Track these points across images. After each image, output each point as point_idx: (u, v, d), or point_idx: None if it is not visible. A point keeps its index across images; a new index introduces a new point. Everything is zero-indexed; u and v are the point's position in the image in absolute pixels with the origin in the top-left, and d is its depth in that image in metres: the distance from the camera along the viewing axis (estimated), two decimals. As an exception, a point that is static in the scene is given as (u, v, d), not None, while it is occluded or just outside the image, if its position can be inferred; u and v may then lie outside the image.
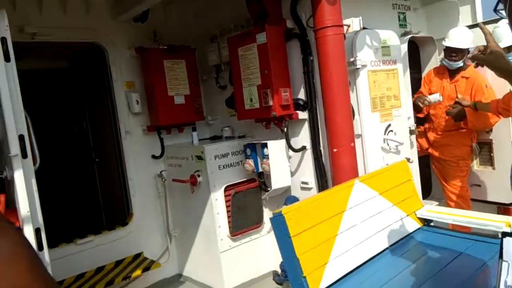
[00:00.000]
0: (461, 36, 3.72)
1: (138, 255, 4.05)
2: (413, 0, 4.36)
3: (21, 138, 2.35)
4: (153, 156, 4.23)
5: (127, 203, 4.20)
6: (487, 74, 3.87)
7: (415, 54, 4.43)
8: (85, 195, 5.31)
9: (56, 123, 4.51)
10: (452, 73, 3.88)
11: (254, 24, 3.60)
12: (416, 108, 3.91)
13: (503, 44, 3.19)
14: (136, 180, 4.14)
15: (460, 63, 3.76)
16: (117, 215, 4.48)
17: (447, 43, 3.77)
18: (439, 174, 4.06)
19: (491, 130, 3.90)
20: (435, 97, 3.80)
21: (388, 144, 3.54)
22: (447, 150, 3.92)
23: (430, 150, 4.08)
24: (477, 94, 3.72)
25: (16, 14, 3.33)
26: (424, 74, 4.37)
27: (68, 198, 4.27)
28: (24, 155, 2.35)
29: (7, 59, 2.31)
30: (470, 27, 4.03)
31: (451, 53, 3.76)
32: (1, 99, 2.27)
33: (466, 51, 3.73)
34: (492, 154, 3.93)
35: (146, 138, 4.20)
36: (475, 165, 4.08)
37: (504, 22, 3.20)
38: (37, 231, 2.30)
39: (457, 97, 3.81)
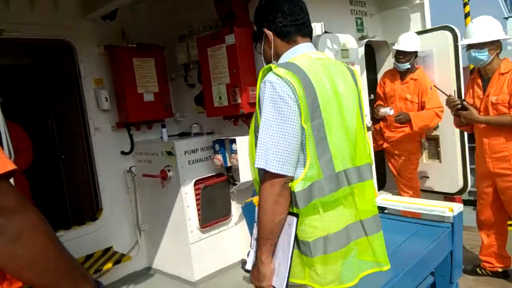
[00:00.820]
0: (408, 41, 4.08)
1: (108, 249, 4.12)
2: (370, 7, 4.69)
3: (-3, 133, 2.40)
4: (123, 152, 4.30)
5: (96, 199, 4.25)
6: (435, 76, 4.27)
7: (371, 56, 4.78)
8: (50, 191, 5.26)
9: (19, 120, 4.45)
10: (403, 75, 4.24)
11: (222, 25, 3.77)
12: (374, 118, 4.28)
13: (473, 40, 3.25)
14: (105, 175, 4.20)
15: (407, 65, 4.13)
16: (84, 211, 4.50)
17: (396, 46, 4.13)
18: (393, 167, 4.42)
19: (437, 127, 4.29)
20: (385, 111, 4.15)
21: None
22: (400, 145, 4.28)
23: (384, 146, 4.43)
24: (422, 95, 4.10)
25: (-17, 10, 3.32)
26: (379, 75, 4.72)
27: (33, 194, 4.24)
28: (1, 150, 2.40)
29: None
30: (420, 32, 4.41)
31: (399, 55, 4.12)
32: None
33: (414, 54, 4.10)
34: (439, 149, 4.33)
35: (115, 134, 4.27)
36: (424, 159, 4.47)
37: (479, 19, 3.36)
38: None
39: (406, 97, 4.18)
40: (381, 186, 4.87)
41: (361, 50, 4.18)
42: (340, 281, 1.52)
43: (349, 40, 3.89)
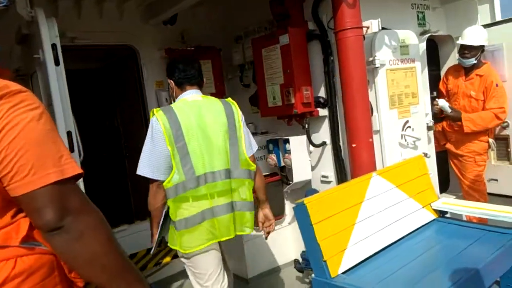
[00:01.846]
0: (474, 34, 3.83)
1: (167, 244, 4.31)
2: (433, 0, 4.46)
3: (69, 134, 2.62)
4: (181, 151, 4.47)
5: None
6: (505, 71, 3.97)
7: (434, 52, 4.54)
8: (116, 188, 5.62)
9: (89, 120, 4.84)
10: (467, 71, 3.99)
11: (277, 25, 3.79)
12: (435, 116, 4.07)
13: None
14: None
15: (473, 61, 3.87)
16: (146, 207, 4.74)
17: (460, 41, 3.89)
18: (457, 169, 4.17)
19: (508, 126, 3.98)
20: (442, 104, 3.94)
21: (405, 140, 3.68)
22: (464, 145, 4.03)
23: (447, 146, 4.19)
24: (487, 92, 3.83)
25: (58, 20, 3.62)
26: (442, 71, 4.48)
27: (101, 191, 4.57)
28: (72, 149, 2.62)
29: (57, 63, 2.59)
30: (489, 25, 4.12)
31: (464, 50, 3.88)
32: (52, 99, 2.54)
33: (480, 48, 3.84)
34: (509, 149, 4.02)
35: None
36: (493, 160, 4.17)
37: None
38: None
39: (470, 95, 3.92)
40: (444, 189, 4.62)
41: (422, 46, 4.00)
42: (195, 246, 2.36)
43: (409, 35, 3.73)
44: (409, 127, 3.73)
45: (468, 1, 4.36)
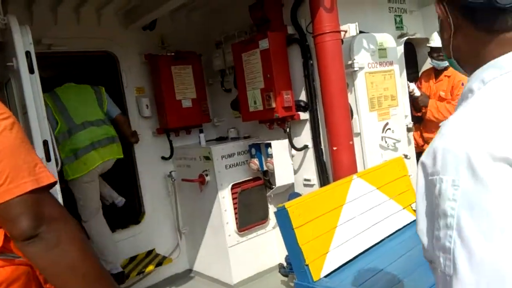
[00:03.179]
0: None
1: (150, 252, 4.27)
2: (410, 3, 4.53)
3: (45, 143, 2.57)
4: (163, 158, 4.45)
5: (139, 203, 4.42)
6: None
7: (412, 54, 4.62)
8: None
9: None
10: (438, 74, 4.16)
11: (257, 30, 3.80)
12: (415, 106, 4.14)
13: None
14: (147, 180, 4.36)
15: (446, 63, 3.95)
16: (130, 214, 4.69)
17: (432, 44, 3.98)
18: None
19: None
20: (412, 85, 4.15)
21: (386, 142, 3.73)
22: None
23: (425, 147, 4.25)
24: (453, 91, 3.97)
25: (34, 27, 3.55)
26: (421, 73, 4.56)
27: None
28: (48, 159, 2.57)
29: (31, 71, 2.53)
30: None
31: (438, 52, 4.00)
32: (27, 107, 2.48)
33: None
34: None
35: (155, 140, 4.42)
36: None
37: None
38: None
39: (440, 95, 4.03)
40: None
41: (400, 49, 4.06)
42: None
43: (386, 39, 3.79)
44: (389, 129, 3.78)
45: (444, 5, 4.44)
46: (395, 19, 4.40)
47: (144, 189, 4.34)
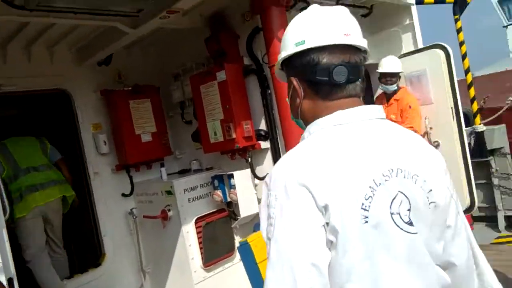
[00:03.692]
0: (392, 63, 4.17)
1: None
2: (362, 30, 4.72)
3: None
4: (123, 195, 4.30)
5: (99, 244, 4.22)
6: (431, 94, 4.24)
7: (366, 79, 4.77)
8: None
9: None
10: (388, 98, 4.33)
11: (213, 62, 3.82)
12: None
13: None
14: (107, 220, 4.18)
15: (395, 87, 4.19)
16: (89, 257, 4.46)
17: (381, 69, 4.16)
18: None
19: (439, 145, 4.22)
20: None
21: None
22: None
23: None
24: (402, 114, 4.14)
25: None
26: (375, 97, 4.72)
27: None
28: (-5, 207, 2.40)
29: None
30: (413, 52, 4.42)
31: (387, 78, 4.19)
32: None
33: (398, 75, 4.18)
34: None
35: (115, 177, 4.28)
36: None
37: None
38: (10, 281, 2.32)
39: (391, 118, 4.18)
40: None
41: (354, 75, 4.19)
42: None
43: (340, 66, 3.90)
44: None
45: (392, 31, 4.66)
46: (348, 46, 4.57)
47: (103, 228, 4.15)
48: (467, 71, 5.69)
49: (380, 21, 4.73)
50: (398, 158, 1.06)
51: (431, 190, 1.06)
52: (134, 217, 4.25)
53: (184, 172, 4.46)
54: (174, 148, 4.62)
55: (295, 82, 1.18)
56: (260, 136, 3.67)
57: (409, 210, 1.02)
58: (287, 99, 1.27)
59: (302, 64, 1.14)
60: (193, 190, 3.96)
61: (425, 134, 4.24)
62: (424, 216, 1.04)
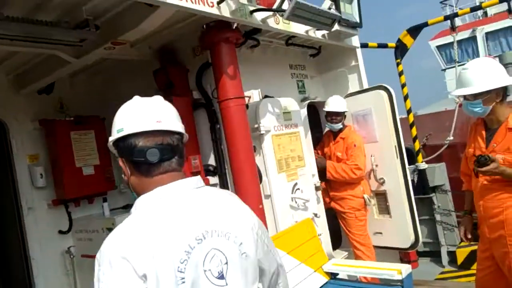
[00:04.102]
0: (338, 102, 4.33)
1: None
2: (310, 70, 4.88)
3: None
4: (60, 232, 3.99)
5: (30, 286, 3.84)
6: (375, 132, 4.40)
7: (316, 116, 4.89)
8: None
9: None
10: (335, 135, 4.46)
11: (162, 94, 3.73)
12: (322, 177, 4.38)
13: (459, 92, 2.75)
14: (41, 259, 3.84)
15: (340, 125, 4.34)
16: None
17: (327, 108, 4.30)
18: (343, 225, 4.41)
19: (384, 182, 4.34)
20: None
21: (296, 202, 3.77)
22: (345, 202, 4.31)
23: (331, 204, 4.42)
24: (347, 151, 4.28)
25: None
26: (323, 134, 4.83)
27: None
28: None
29: None
30: (359, 92, 4.60)
31: (332, 116, 4.33)
32: None
33: (343, 114, 4.34)
34: (387, 204, 4.35)
35: (51, 212, 3.98)
36: (375, 214, 4.47)
37: (472, 64, 2.73)
38: None
39: (338, 156, 4.30)
40: (338, 244, 4.79)
41: (304, 112, 4.28)
42: None
43: (290, 102, 3.96)
44: (298, 189, 3.84)
45: (340, 71, 4.86)
46: (298, 84, 4.69)
47: (36, 269, 3.81)
48: (409, 111, 6.01)
49: (328, 62, 4.93)
50: (212, 221, 1.27)
51: (241, 243, 1.29)
52: (72, 256, 3.95)
53: (129, 207, 4.23)
54: (118, 182, 4.41)
55: (121, 162, 1.38)
56: (209, 171, 3.59)
57: (226, 263, 1.24)
58: (122, 175, 1.43)
59: (125, 147, 1.33)
60: (137, 227, 3.74)
61: (371, 171, 4.36)
62: (239, 266, 1.27)
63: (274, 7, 3.16)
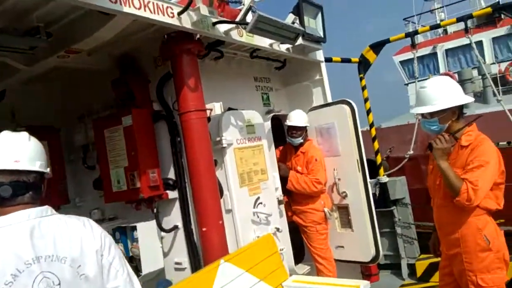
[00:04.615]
0: (299, 117, 4.36)
1: None
2: (274, 82, 4.88)
3: None
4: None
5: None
6: (338, 147, 4.43)
7: (281, 129, 4.88)
8: None
9: None
10: (296, 149, 4.47)
11: (121, 105, 3.61)
12: (285, 191, 4.36)
13: (416, 110, 2.76)
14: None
15: (300, 140, 4.38)
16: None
17: (288, 123, 4.32)
18: (305, 239, 4.40)
19: (346, 195, 4.37)
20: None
21: (258, 217, 3.71)
22: (306, 216, 4.32)
23: (293, 218, 4.41)
24: (307, 166, 4.30)
25: None
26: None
27: None
28: None
29: None
30: (322, 106, 4.63)
31: (293, 131, 4.35)
32: None
33: (304, 129, 4.36)
34: (349, 217, 4.37)
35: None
36: (338, 228, 4.48)
37: (430, 82, 2.77)
38: None
39: (298, 170, 4.32)
40: (301, 258, 4.76)
41: (268, 125, 4.25)
42: None
43: (254, 115, 3.92)
44: (261, 203, 3.79)
45: (304, 85, 4.88)
46: (263, 97, 4.67)
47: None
48: (371, 125, 6.11)
49: (293, 75, 4.95)
50: (46, 247, 1.45)
51: (80, 266, 1.50)
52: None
53: (84, 222, 4.04)
54: (74, 195, 4.20)
55: None
56: (168, 185, 3.47)
57: (59, 284, 1.43)
58: None
59: None
60: (91, 243, 3.57)
61: (334, 185, 4.38)
62: (77, 286, 1.47)
63: (237, 19, 3.13)
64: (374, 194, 5.50)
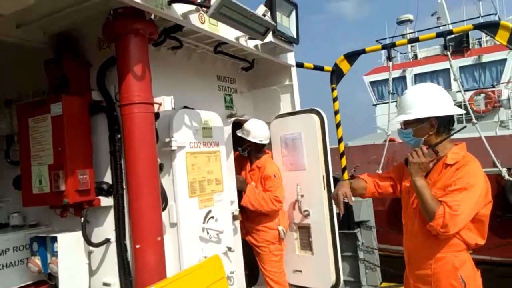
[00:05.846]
0: (259, 132, 4.01)
1: None
2: (240, 84, 4.43)
3: None
4: None
5: None
6: (304, 160, 4.02)
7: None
8: None
9: None
10: (251, 162, 4.09)
11: (53, 92, 3.04)
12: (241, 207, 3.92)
13: (401, 117, 2.39)
14: None
15: (245, 154, 4.06)
16: None
17: (238, 132, 4.00)
18: (258, 260, 3.97)
19: (309, 214, 3.95)
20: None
21: (207, 233, 3.24)
22: (258, 235, 3.91)
23: (247, 238, 3.97)
24: (264, 182, 3.91)
25: None
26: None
27: None
28: None
29: None
30: (290, 114, 4.23)
31: (241, 146, 4.03)
32: None
33: (252, 143, 3.99)
34: (311, 239, 3.95)
35: None
36: (297, 250, 4.05)
37: (414, 88, 2.50)
38: None
39: (252, 185, 3.92)
40: (254, 281, 4.30)
41: (228, 129, 3.81)
42: None
43: (212, 117, 3.47)
44: (212, 217, 3.32)
45: (273, 89, 4.46)
46: (225, 98, 4.20)
47: None
48: (340, 140, 5.79)
49: (260, 78, 4.55)
50: None
51: None
52: None
53: (0, 227, 3.40)
54: (-3, 195, 3.55)
55: None
56: (102, 190, 2.91)
57: None
58: None
59: None
60: (3, 254, 2.96)
61: (296, 202, 3.96)
62: None
63: (199, 0, 2.67)
64: (338, 214, 5.13)
